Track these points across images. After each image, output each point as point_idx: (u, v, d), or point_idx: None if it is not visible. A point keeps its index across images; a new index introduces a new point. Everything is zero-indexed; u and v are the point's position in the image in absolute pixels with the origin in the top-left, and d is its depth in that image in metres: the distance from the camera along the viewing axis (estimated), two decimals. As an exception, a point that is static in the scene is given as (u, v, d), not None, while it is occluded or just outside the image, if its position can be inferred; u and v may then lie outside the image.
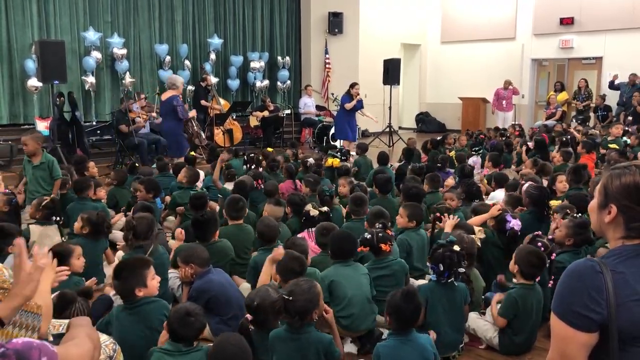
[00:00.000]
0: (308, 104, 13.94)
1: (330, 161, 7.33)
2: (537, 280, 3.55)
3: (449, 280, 3.33)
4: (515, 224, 4.14)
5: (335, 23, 14.54)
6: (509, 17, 15.84)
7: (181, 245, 4.15)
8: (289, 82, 14.51)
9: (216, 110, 11.61)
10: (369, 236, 3.73)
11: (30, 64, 10.29)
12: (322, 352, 2.81)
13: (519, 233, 4.10)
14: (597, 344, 1.51)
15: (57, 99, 9.82)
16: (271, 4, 14.39)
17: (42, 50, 8.44)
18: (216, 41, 13.12)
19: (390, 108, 13.58)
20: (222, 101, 12.13)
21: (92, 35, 11.23)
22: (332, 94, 13.87)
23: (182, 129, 9.07)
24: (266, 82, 14.14)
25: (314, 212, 4.62)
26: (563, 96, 14.36)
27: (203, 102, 11.68)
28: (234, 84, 13.49)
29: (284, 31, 14.71)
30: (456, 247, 3.36)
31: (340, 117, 11.37)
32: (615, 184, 1.57)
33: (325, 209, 4.71)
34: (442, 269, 3.31)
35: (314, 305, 2.80)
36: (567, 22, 14.68)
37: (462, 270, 3.35)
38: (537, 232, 3.87)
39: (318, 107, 14.20)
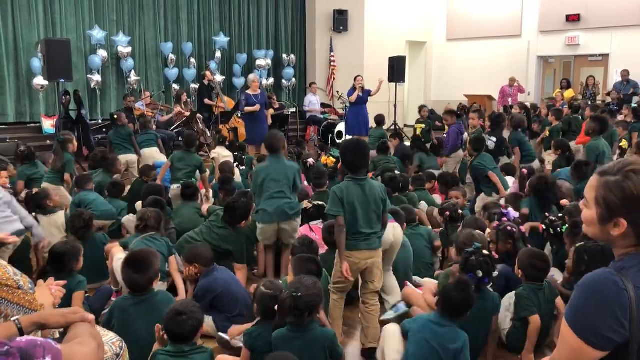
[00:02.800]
0: (313, 102, 13.92)
1: (324, 159, 7.32)
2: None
3: (487, 286, 3.31)
4: (511, 216, 4.19)
5: (340, 21, 14.52)
6: (515, 14, 15.77)
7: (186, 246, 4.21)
8: (294, 80, 14.51)
9: (220, 108, 11.61)
10: None
11: (36, 63, 10.33)
12: (327, 348, 2.81)
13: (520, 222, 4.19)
14: (612, 357, 1.44)
15: (63, 97, 9.85)
16: (276, 2, 14.38)
17: (48, 48, 8.46)
18: (222, 39, 13.13)
19: (395, 106, 13.54)
20: (226, 99, 12.14)
21: (97, 33, 11.26)
22: (338, 92, 13.84)
23: (254, 120, 9.56)
24: (271, 80, 14.14)
25: (306, 205, 4.73)
26: (570, 93, 14.27)
27: (207, 100, 11.69)
28: (239, 82, 13.50)
29: (289, 29, 14.70)
30: (485, 252, 3.32)
31: (351, 113, 11.35)
32: (618, 195, 1.43)
33: (319, 202, 4.77)
34: (480, 275, 3.26)
35: (319, 299, 2.82)
36: (573, 19, 14.60)
37: (496, 274, 3.32)
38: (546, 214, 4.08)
39: (323, 105, 14.18)
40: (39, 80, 10.34)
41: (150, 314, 3.03)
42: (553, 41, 15.17)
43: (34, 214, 4.69)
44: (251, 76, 9.98)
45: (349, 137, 10.99)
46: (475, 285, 3.20)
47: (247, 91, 9.69)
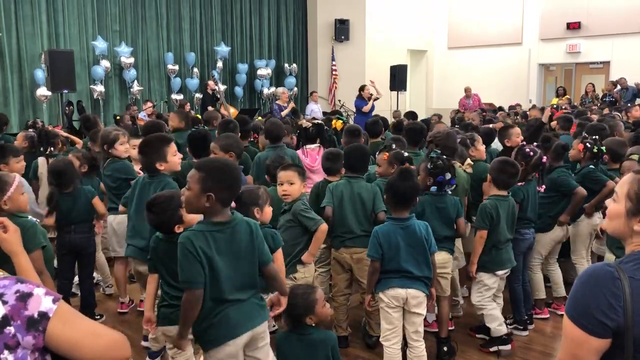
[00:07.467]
0: (315, 111, 13.91)
1: (334, 123, 7.16)
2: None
3: (453, 187, 3.52)
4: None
5: (341, 30, 14.58)
6: (516, 23, 15.83)
7: None
8: (295, 89, 14.55)
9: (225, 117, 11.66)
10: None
11: (40, 74, 10.39)
12: (330, 351, 2.75)
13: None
14: (611, 349, 1.49)
15: (67, 108, 9.92)
16: (278, 12, 14.46)
17: (51, 59, 8.54)
18: (223, 49, 13.20)
19: (397, 114, 13.57)
20: (231, 109, 12.16)
21: (100, 44, 11.33)
22: (340, 101, 13.88)
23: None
24: (273, 89, 14.19)
25: (306, 124, 4.96)
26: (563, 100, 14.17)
27: (210, 109, 11.73)
28: (241, 91, 13.55)
29: (291, 38, 14.77)
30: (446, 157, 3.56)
31: (359, 122, 11.37)
32: None
33: (319, 121, 5.12)
34: (449, 177, 3.46)
35: (307, 312, 2.73)
36: (574, 26, 14.65)
37: (448, 176, 3.48)
38: (522, 143, 4.18)
39: (325, 114, 14.20)
40: (43, 91, 10.40)
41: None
42: (554, 49, 15.22)
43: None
44: (280, 89, 10.09)
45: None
46: (439, 187, 3.46)
47: (277, 102, 9.81)
